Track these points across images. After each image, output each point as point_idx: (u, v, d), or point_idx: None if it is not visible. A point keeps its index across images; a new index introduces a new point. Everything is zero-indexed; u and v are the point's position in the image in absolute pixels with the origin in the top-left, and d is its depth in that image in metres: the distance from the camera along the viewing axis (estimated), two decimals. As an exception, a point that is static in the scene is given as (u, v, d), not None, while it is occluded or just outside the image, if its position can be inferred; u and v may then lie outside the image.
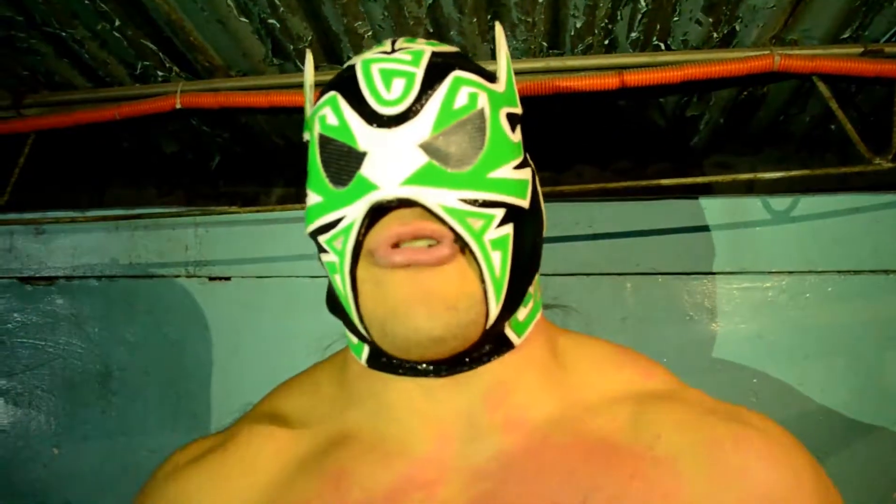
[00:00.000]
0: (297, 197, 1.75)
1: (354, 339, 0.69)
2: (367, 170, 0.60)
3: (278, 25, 1.25)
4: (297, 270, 1.53)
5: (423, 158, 0.60)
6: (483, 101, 0.65)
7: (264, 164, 1.71)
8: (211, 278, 1.57)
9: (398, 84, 0.63)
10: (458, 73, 0.64)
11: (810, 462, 0.64)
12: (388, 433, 0.67)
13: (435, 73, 0.64)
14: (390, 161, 0.60)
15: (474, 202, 0.61)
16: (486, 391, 0.66)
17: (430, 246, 0.60)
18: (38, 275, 1.64)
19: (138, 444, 1.55)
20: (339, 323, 0.71)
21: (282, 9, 1.21)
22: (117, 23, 1.28)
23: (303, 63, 1.31)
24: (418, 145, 0.60)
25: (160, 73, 1.43)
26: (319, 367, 0.80)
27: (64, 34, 1.32)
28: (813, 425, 1.38)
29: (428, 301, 0.59)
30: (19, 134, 1.51)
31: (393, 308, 0.60)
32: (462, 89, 0.64)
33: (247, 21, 1.25)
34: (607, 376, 0.71)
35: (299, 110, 1.40)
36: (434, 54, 0.66)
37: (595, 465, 0.63)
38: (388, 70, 0.64)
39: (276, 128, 1.54)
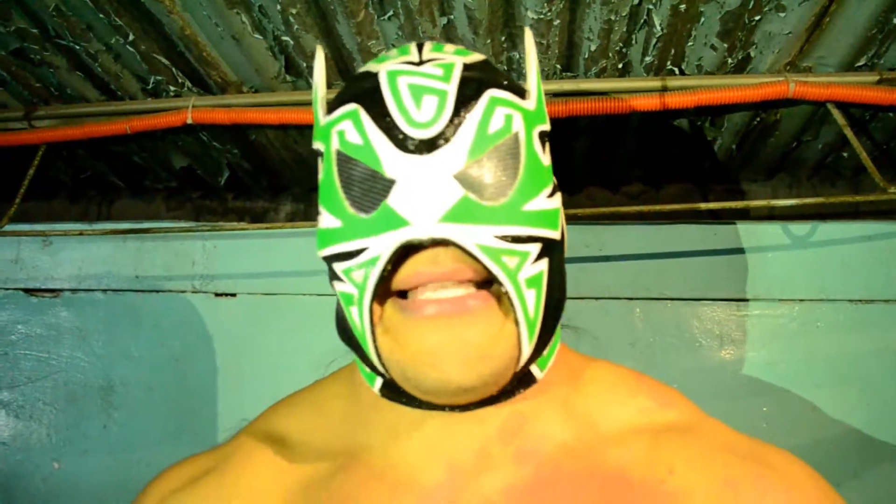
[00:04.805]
0: (305, 214, 1.74)
1: (367, 368, 0.66)
2: (395, 201, 0.56)
3: (292, 43, 1.25)
4: (303, 288, 1.52)
5: (458, 192, 0.56)
6: (518, 124, 0.60)
7: (273, 180, 1.71)
8: (217, 294, 1.56)
9: (429, 103, 0.58)
10: (492, 91, 0.60)
11: None
12: (398, 461, 0.64)
13: (469, 92, 0.59)
14: (424, 194, 0.55)
15: (510, 238, 0.57)
16: (503, 424, 0.64)
17: (460, 282, 0.57)
18: (43, 286, 1.64)
19: (139, 460, 1.54)
20: (344, 340, 0.69)
21: (296, 26, 1.21)
22: (131, 37, 1.28)
23: (316, 80, 1.32)
24: (453, 176, 0.56)
25: (172, 88, 1.43)
26: (323, 385, 0.76)
27: (77, 47, 1.32)
28: (824, 454, 1.35)
29: (461, 351, 0.56)
30: (30, 145, 1.51)
31: (418, 355, 0.57)
32: (497, 111, 0.59)
33: (261, 38, 1.25)
34: (623, 404, 0.69)
35: (311, 128, 1.40)
36: (465, 67, 0.61)
37: (607, 499, 0.61)
38: (418, 86, 0.59)
39: (285, 145, 1.54)
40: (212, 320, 1.55)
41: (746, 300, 1.42)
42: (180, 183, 1.77)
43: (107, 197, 1.85)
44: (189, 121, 1.39)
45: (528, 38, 0.68)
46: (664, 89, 1.25)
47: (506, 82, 0.63)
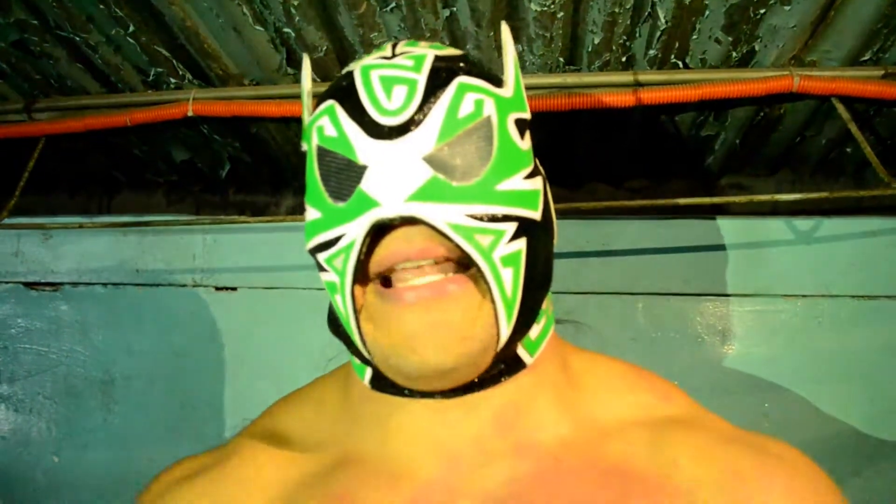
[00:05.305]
0: (306, 208, 1.74)
1: (357, 360, 0.67)
2: (367, 185, 0.57)
3: (293, 35, 1.25)
4: (304, 282, 1.51)
5: (427, 172, 0.57)
6: (490, 109, 0.61)
7: (274, 173, 1.70)
8: (218, 288, 1.55)
9: (399, 92, 0.59)
10: (462, 78, 0.61)
11: (835, 497, 0.62)
12: (394, 456, 0.64)
13: (438, 80, 0.60)
14: (392, 176, 0.57)
15: (483, 217, 0.58)
16: (497, 413, 0.63)
17: (436, 263, 0.58)
18: (43, 280, 1.63)
19: (140, 454, 1.53)
20: (344, 335, 0.69)
21: (297, 18, 1.20)
22: (131, 28, 1.27)
23: (318, 74, 1.31)
24: (422, 158, 0.57)
25: (173, 80, 1.42)
26: (322, 382, 0.77)
27: (78, 38, 1.32)
28: (825, 450, 1.35)
29: (437, 333, 0.56)
30: (29, 138, 1.50)
31: (398, 339, 0.57)
32: (467, 96, 0.60)
33: (262, 30, 1.25)
34: (622, 398, 0.68)
35: (311, 121, 1.39)
36: (437, 58, 0.62)
37: (610, 493, 0.60)
38: (389, 77, 0.60)
39: (286, 138, 1.53)
40: (212, 314, 1.55)
41: (749, 296, 1.41)
42: (181, 176, 1.76)
43: (107, 190, 1.85)
44: (190, 113, 1.39)
45: (505, 31, 0.70)
46: (668, 83, 1.24)
47: (479, 71, 0.64)
